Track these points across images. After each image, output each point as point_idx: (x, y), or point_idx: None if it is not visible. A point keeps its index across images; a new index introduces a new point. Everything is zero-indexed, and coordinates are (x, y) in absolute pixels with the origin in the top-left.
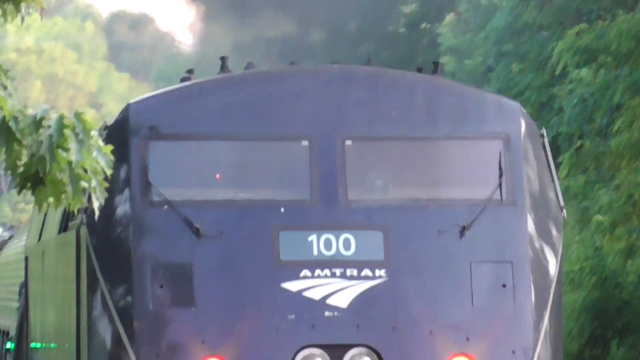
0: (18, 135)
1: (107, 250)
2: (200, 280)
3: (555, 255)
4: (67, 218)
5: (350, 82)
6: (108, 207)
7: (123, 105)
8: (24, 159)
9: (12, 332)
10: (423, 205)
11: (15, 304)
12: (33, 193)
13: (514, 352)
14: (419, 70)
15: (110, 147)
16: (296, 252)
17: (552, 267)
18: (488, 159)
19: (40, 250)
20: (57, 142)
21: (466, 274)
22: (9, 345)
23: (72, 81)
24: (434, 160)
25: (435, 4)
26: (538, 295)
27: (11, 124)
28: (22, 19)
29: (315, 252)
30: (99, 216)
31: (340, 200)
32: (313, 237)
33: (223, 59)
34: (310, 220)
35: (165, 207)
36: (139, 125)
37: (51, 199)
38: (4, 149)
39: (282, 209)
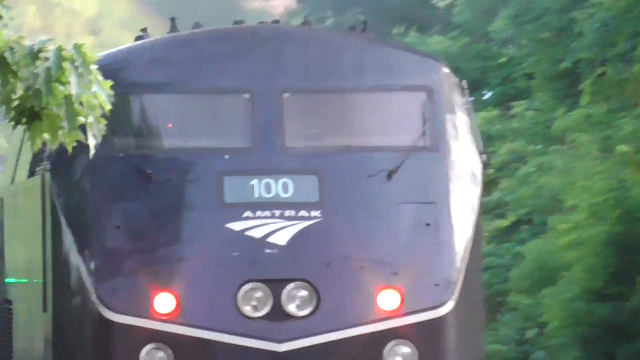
0: (14, 67)
1: (69, 194)
2: (153, 222)
3: (475, 195)
4: (35, 162)
5: (286, 40)
6: (70, 156)
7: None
8: (19, 92)
9: None
10: (354, 152)
11: None
12: (28, 128)
13: (437, 284)
14: (352, 28)
15: (110, 83)
16: (239, 195)
17: (473, 206)
18: (412, 110)
19: (13, 191)
20: (55, 75)
21: (393, 214)
22: None
23: (69, 5)
24: (363, 111)
25: None
26: (459, 232)
27: (6, 54)
28: None
29: (256, 195)
30: (61, 163)
31: (279, 147)
32: (254, 181)
33: (172, 19)
34: (252, 166)
35: (120, 154)
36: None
37: (46, 135)
38: None
39: (226, 156)
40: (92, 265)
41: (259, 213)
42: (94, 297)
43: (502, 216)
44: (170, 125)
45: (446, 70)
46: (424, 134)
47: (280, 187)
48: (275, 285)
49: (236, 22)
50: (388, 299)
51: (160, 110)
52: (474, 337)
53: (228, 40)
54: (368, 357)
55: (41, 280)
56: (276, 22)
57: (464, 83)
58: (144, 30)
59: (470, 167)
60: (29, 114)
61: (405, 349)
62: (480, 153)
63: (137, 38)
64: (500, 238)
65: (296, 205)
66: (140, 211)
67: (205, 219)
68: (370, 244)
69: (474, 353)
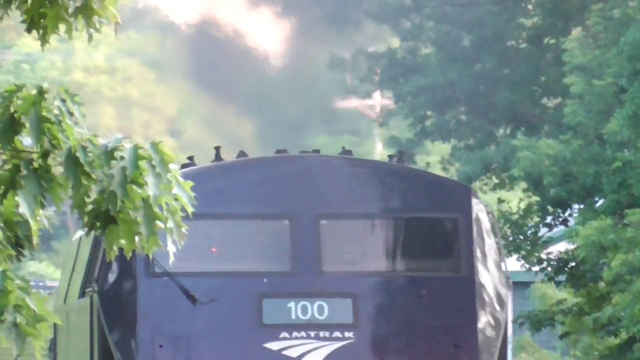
0: (87, 167)
1: (115, 315)
2: (195, 341)
3: (501, 317)
4: (85, 284)
5: (324, 169)
6: (117, 278)
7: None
8: (93, 194)
9: None
10: (386, 276)
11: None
12: (103, 233)
13: None
14: (390, 157)
15: (190, 183)
16: (277, 317)
17: (499, 327)
18: (443, 236)
19: (65, 311)
20: (131, 176)
21: (423, 335)
22: None
23: (149, 104)
24: (396, 237)
25: (560, 16)
26: (485, 353)
27: (79, 155)
28: (90, 37)
29: (293, 316)
30: (109, 286)
31: (315, 271)
32: (292, 304)
33: (217, 148)
34: (289, 289)
35: (166, 277)
36: None
37: (123, 241)
38: (70, 184)
39: (265, 279)
40: None
41: (295, 334)
42: None
43: (614, 334)
44: (214, 249)
45: (476, 198)
46: (453, 259)
47: (316, 309)
48: None
49: (278, 151)
50: None
51: (205, 235)
52: None
53: (269, 168)
54: None
55: None
56: (316, 151)
57: (492, 210)
58: (190, 158)
59: (497, 290)
60: (103, 219)
61: None
62: (507, 277)
63: (183, 166)
64: (612, 357)
65: (331, 327)
66: (184, 331)
67: (245, 339)
68: None
69: None
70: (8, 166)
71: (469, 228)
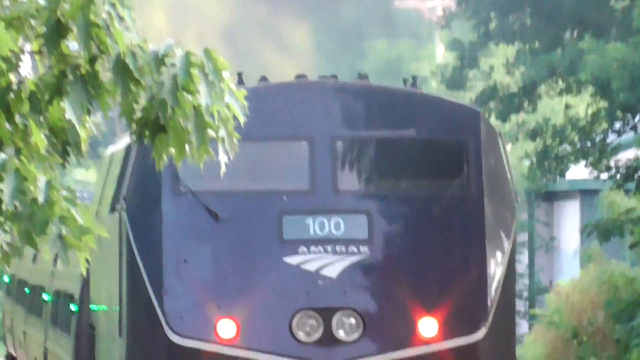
0: (136, 74)
1: (142, 231)
2: (218, 256)
3: (508, 236)
4: (114, 199)
5: (340, 94)
6: (144, 196)
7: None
8: (142, 102)
9: (76, 296)
10: (400, 194)
11: (79, 270)
12: (152, 142)
13: (472, 314)
14: (404, 82)
15: (244, 92)
16: (296, 232)
17: (506, 243)
18: (453, 156)
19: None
20: (182, 84)
21: (433, 251)
22: (73, 307)
23: (202, 9)
24: (408, 157)
25: None
26: (492, 268)
27: (128, 61)
28: None
29: (311, 232)
30: (137, 203)
31: (332, 189)
32: (310, 220)
33: (239, 74)
34: (308, 206)
35: (190, 195)
36: None
37: (172, 150)
38: (119, 91)
39: (285, 197)
40: (162, 295)
41: (313, 248)
42: (163, 323)
43: None
44: (237, 169)
45: (485, 120)
46: (463, 179)
47: (333, 225)
48: (326, 313)
49: (298, 77)
50: (427, 326)
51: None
52: None
53: (289, 93)
54: None
55: (118, 308)
56: (334, 76)
57: (501, 132)
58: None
59: (505, 208)
60: (152, 127)
61: None
62: (514, 195)
63: None
64: None
65: (346, 242)
66: (206, 247)
67: (266, 254)
68: (412, 277)
69: None
70: (54, 72)
71: (478, 149)
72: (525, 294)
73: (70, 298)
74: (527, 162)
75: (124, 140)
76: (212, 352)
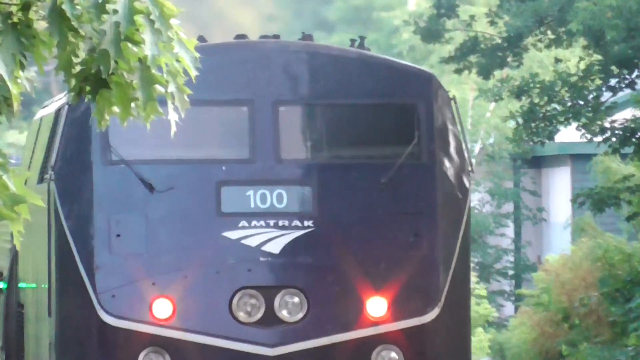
0: (74, 22)
1: (72, 204)
2: (152, 230)
3: (462, 208)
4: (43, 170)
5: (283, 55)
6: (73, 166)
7: None
8: (82, 54)
9: (5, 272)
10: (347, 163)
11: (8, 245)
12: (93, 99)
13: (423, 292)
14: (352, 43)
15: (194, 42)
16: (235, 205)
17: (460, 217)
18: (404, 123)
19: None
20: (126, 33)
21: (383, 225)
22: (1, 285)
23: None
24: (356, 124)
25: None
26: (445, 242)
27: (65, 7)
28: None
29: (252, 205)
30: (65, 174)
31: (274, 158)
32: (250, 192)
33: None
34: (248, 177)
35: (122, 165)
36: None
37: (116, 108)
38: (55, 41)
39: (224, 167)
40: (93, 272)
41: (254, 222)
42: (94, 303)
43: None
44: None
45: (437, 84)
46: (414, 146)
47: (275, 197)
48: (268, 292)
49: (238, 36)
50: (376, 306)
51: (162, 121)
52: (460, 343)
53: (228, 54)
54: None
55: (47, 285)
56: (277, 36)
57: (454, 96)
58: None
59: (459, 177)
60: (93, 82)
61: (392, 354)
62: (469, 165)
63: None
64: None
65: (290, 215)
66: (140, 220)
67: (203, 228)
68: (360, 253)
69: (459, 359)
70: None
71: (430, 115)
72: (510, 272)
73: None
74: (512, 123)
75: (55, 104)
76: (147, 333)
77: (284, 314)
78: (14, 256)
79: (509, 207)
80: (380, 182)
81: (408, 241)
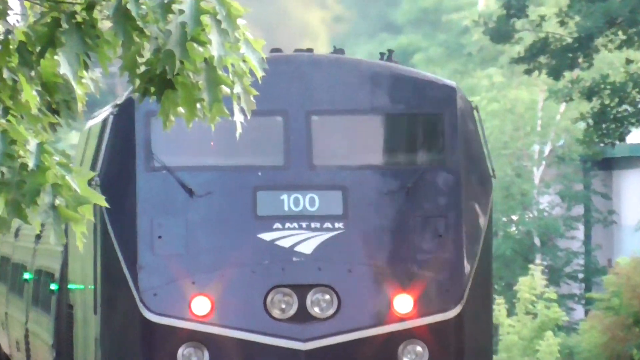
0: (139, 22)
1: (117, 208)
2: (192, 232)
3: (485, 211)
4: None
5: (316, 68)
6: (118, 172)
7: None
8: (147, 54)
9: (57, 274)
10: (375, 169)
11: (60, 248)
12: (158, 100)
13: (447, 290)
14: (382, 56)
15: (262, 42)
16: (270, 208)
17: (482, 218)
18: (430, 131)
19: None
20: (192, 33)
21: (409, 226)
22: (53, 286)
23: None
24: (384, 132)
25: None
26: (468, 243)
27: (130, 7)
28: None
29: (286, 208)
30: (110, 180)
31: (307, 164)
32: (284, 196)
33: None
34: (282, 182)
35: (164, 171)
36: (143, 104)
37: (182, 109)
38: (120, 41)
39: (260, 173)
40: (136, 272)
41: (287, 224)
42: (137, 301)
43: None
44: (211, 143)
45: (461, 95)
46: (439, 153)
47: (308, 201)
48: (301, 290)
49: (273, 50)
50: (403, 303)
51: (203, 130)
52: (482, 339)
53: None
54: (384, 356)
55: (93, 286)
56: (310, 50)
57: (476, 106)
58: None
59: (481, 183)
60: (158, 83)
61: (418, 348)
62: (491, 169)
63: None
64: None
65: (321, 218)
66: (180, 223)
67: (240, 230)
68: (387, 253)
69: (482, 354)
70: (46, 20)
71: (454, 124)
72: (580, 275)
73: (50, 277)
74: (582, 125)
75: (103, 114)
76: (187, 329)
77: (315, 310)
78: (65, 259)
79: (579, 209)
80: (407, 187)
81: (433, 242)
